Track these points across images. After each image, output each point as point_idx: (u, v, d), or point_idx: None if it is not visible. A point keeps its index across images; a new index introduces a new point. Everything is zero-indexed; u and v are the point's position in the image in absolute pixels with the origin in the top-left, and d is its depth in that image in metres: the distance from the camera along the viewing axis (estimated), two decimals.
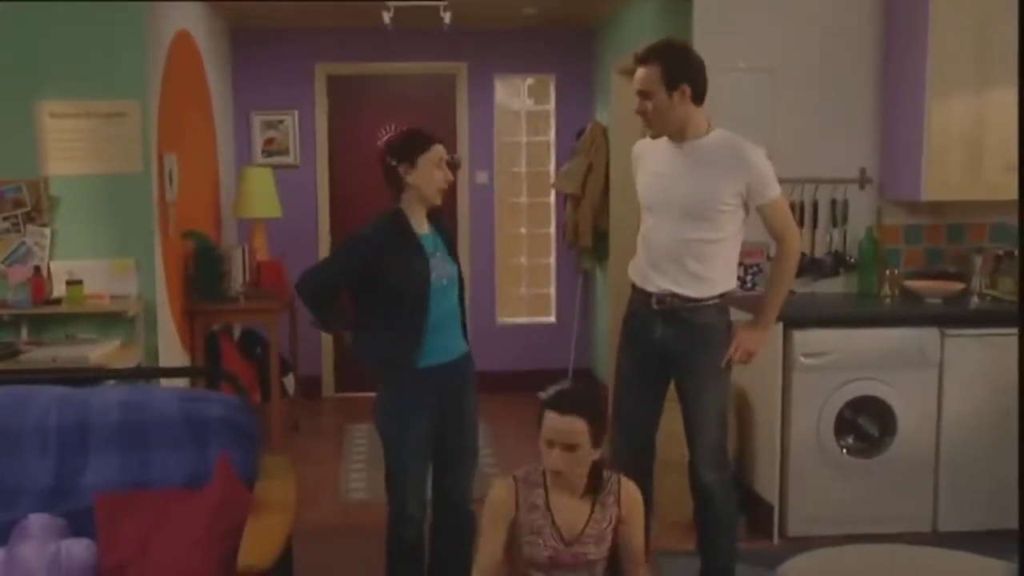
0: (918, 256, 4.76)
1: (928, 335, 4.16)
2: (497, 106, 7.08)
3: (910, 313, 4.29)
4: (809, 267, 4.68)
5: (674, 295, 3.26)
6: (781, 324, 4.13)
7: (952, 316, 4.25)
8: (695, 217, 3.21)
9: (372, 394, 3.27)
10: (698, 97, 3.23)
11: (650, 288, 3.31)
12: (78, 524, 2.67)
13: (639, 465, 3.34)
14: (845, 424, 4.21)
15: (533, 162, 7.25)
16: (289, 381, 5.97)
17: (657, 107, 3.21)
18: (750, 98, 4.60)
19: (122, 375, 3.69)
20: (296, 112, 6.86)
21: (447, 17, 6.04)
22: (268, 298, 5.54)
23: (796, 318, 4.17)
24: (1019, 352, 3.62)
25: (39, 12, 4.24)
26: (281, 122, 6.86)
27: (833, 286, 4.72)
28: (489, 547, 2.64)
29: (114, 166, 4.36)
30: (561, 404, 2.60)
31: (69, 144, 4.33)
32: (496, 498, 2.67)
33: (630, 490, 2.73)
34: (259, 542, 2.39)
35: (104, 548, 2.61)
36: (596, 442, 2.62)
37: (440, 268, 3.18)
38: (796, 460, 4.17)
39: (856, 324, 4.21)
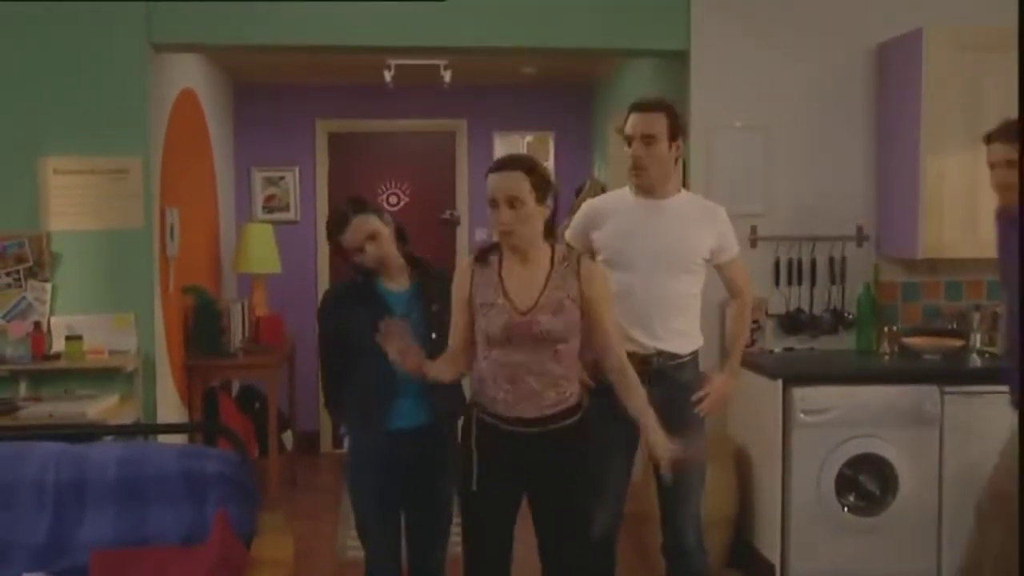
0: (915, 313, 4.78)
1: (928, 392, 4.15)
2: None
3: (909, 370, 4.29)
4: (808, 324, 4.70)
5: (661, 352, 3.27)
6: (780, 381, 4.13)
7: (951, 373, 4.24)
8: (679, 270, 3.28)
9: None
10: (678, 159, 3.37)
11: (631, 348, 3.20)
12: None
13: (614, 529, 3.38)
14: (846, 482, 4.18)
15: None
16: (287, 437, 5.95)
17: (658, 154, 3.26)
18: (746, 156, 4.65)
19: (119, 431, 3.67)
20: (297, 168, 6.93)
21: (447, 75, 6.13)
22: (267, 353, 5.55)
23: (796, 375, 4.17)
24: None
25: (43, 70, 4.30)
26: (282, 178, 6.92)
27: (832, 343, 4.72)
28: (455, 332, 2.86)
29: (116, 222, 4.38)
30: (499, 164, 2.76)
31: (72, 200, 4.35)
32: (455, 281, 2.84)
33: (590, 265, 2.83)
34: None
35: None
36: (541, 197, 2.69)
37: (413, 325, 3.03)
38: (797, 518, 4.14)
39: (856, 381, 4.21)
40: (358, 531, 3.18)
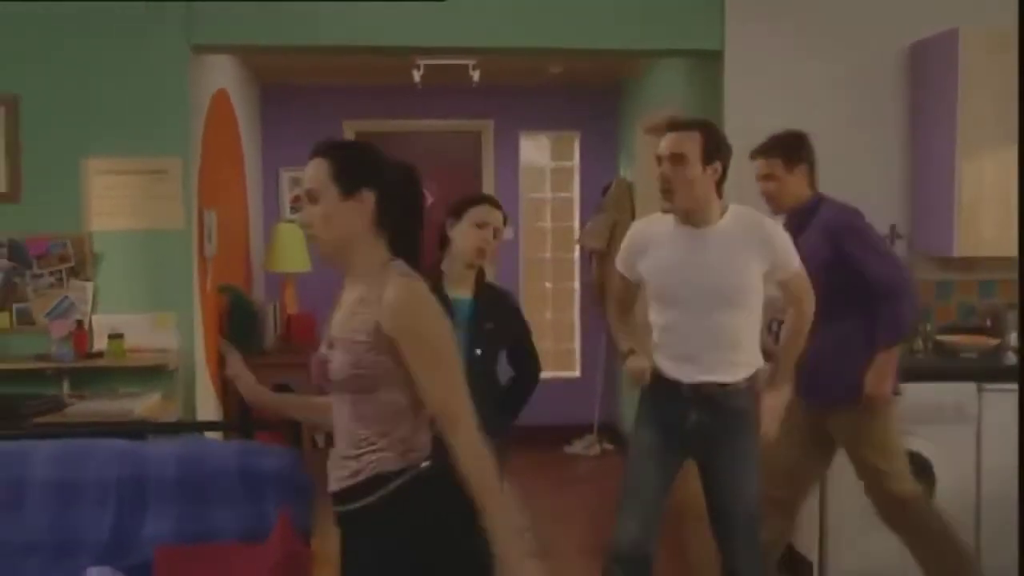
0: (949, 311, 4.79)
1: (965, 390, 4.16)
2: (522, 162, 7.18)
3: (947, 368, 4.31)
4: None
5: (708, 383, 3.12)
6: None
7: (989, 371, 4.25)
8: (728, 306, 3.08)
9: None
10: (721, 183, 3.12)
11: (682, 378, 3.15)
12: None
13: (644, 546, 3.18)
14: None
15: (558, 218, 7.33)
16: (319, 435, 5.97)
17: (688, 176, 3.03)
18: None
19: (164, 429, 3.70)
20: None
21: (476, 75, 6.16)
22: (300, 352, 5.57)
23: None
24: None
25: (86, 72, 4.34)
26: None
27: None
28: None
29: (156, 222, 4.42)
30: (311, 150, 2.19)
31: (113, 200, 4.39)
32: None
33: (399, 288, 2.06)
34: None
35: None
36: (347, 188, 2.10)
37: (463, 338, 3.13)
38: (835, 516, 4.16)
39: None
40: None
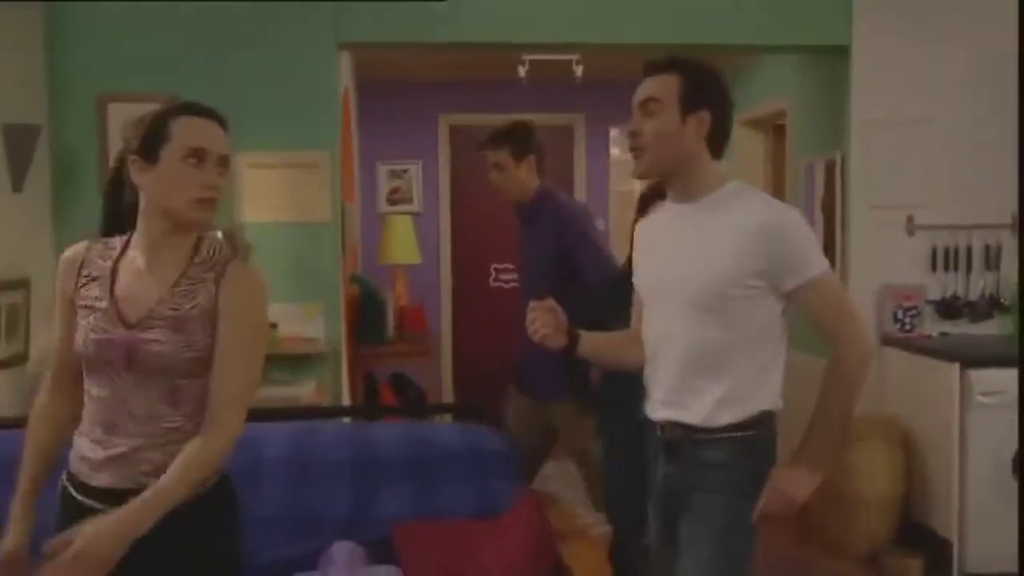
0: None
1: None
2: (612, 156, 7.29)
3: None
4: (964, 309, 4.84)
5: (675, 424, 2.27)
6: (958, 364, 4.27)
7: None
8: (701, 308, 2.20)
9: None
10: (716, 138, 2.27)
11: (653, 414, 2.34)
12: (378, 552, 2.80)
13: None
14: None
15: None
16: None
17: (662, 127, 2.23)
18: (905, 148, 4.78)
19: (337, 414, 3.86)
20: (420, 162, 7.09)
21: (579, 70, 6.27)
22: (415, 342, 5.73)
23: (972, 358, 4.31)
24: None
25: (240, 69, 4.47)
26: (405, 171, 7.09)
27: (988, 328, 4.86)
28: (57, 330, 2.04)
29: (306, 214, 4.55)
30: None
31: (265, 193, 4.52)
32: (60, 268, 2.03)
33: (241, 273, 2.01)
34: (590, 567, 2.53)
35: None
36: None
37: None
38: (974, 497, 4.28)
39: None
40: (607, 508, 3.34)
